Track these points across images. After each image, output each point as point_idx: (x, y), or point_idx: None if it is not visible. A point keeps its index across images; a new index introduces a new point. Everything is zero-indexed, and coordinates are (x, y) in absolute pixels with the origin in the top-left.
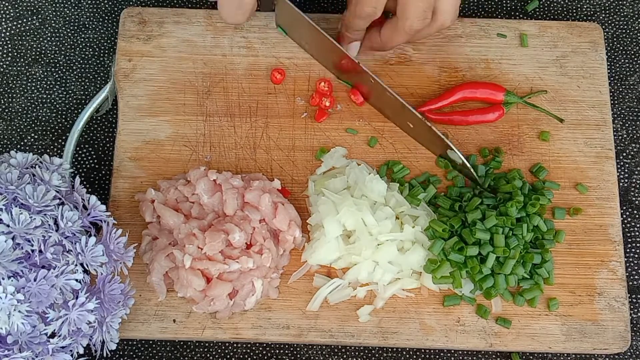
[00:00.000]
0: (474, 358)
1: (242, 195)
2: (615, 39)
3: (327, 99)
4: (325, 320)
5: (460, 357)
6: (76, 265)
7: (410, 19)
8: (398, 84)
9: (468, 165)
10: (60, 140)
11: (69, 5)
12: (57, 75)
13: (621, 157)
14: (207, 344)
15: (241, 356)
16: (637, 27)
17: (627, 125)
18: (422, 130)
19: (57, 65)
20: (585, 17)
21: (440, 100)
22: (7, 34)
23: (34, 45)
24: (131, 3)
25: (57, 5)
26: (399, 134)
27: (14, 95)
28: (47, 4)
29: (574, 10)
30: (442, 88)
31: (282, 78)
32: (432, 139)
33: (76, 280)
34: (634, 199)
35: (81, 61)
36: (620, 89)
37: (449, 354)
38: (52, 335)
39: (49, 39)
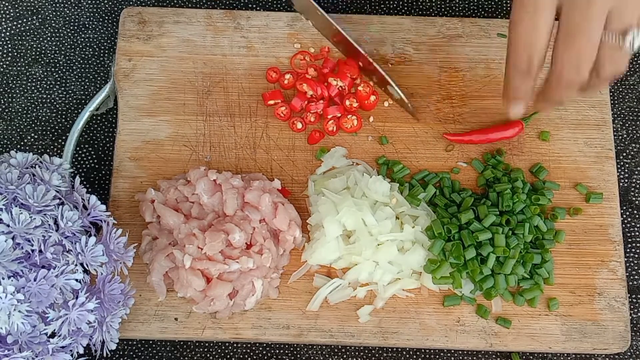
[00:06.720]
0: (474, 358)
1: (242, 195)
2: None
3: (299, 120)
4: (325, 320)
5: (460, 357)
6: (76, 265)
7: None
8: (398, 84)
9: (405, 100)
10: (60, 140)
11: (69, 5)
12: (57, 75)
13: (621, 157)
14: (207, 344)
15: (241, 356)
16: None
17: (627, 125)
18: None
19: (57, 65)
20: None
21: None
22: (7, 34)
23: (34, 45)
24: (131, 3)
25: (57, 5)
26: (398, 133)
27: (14, 95)
28: (47, 4)
29: None
30: (442, 88)
31: (277, 77)
32: (380, 77)
33: (76, 280)
34: (634, 199)
35: (81, 61)
36: (620, 89)
37: (449, 354)
38: (52, 335)
39: (49, 39)
